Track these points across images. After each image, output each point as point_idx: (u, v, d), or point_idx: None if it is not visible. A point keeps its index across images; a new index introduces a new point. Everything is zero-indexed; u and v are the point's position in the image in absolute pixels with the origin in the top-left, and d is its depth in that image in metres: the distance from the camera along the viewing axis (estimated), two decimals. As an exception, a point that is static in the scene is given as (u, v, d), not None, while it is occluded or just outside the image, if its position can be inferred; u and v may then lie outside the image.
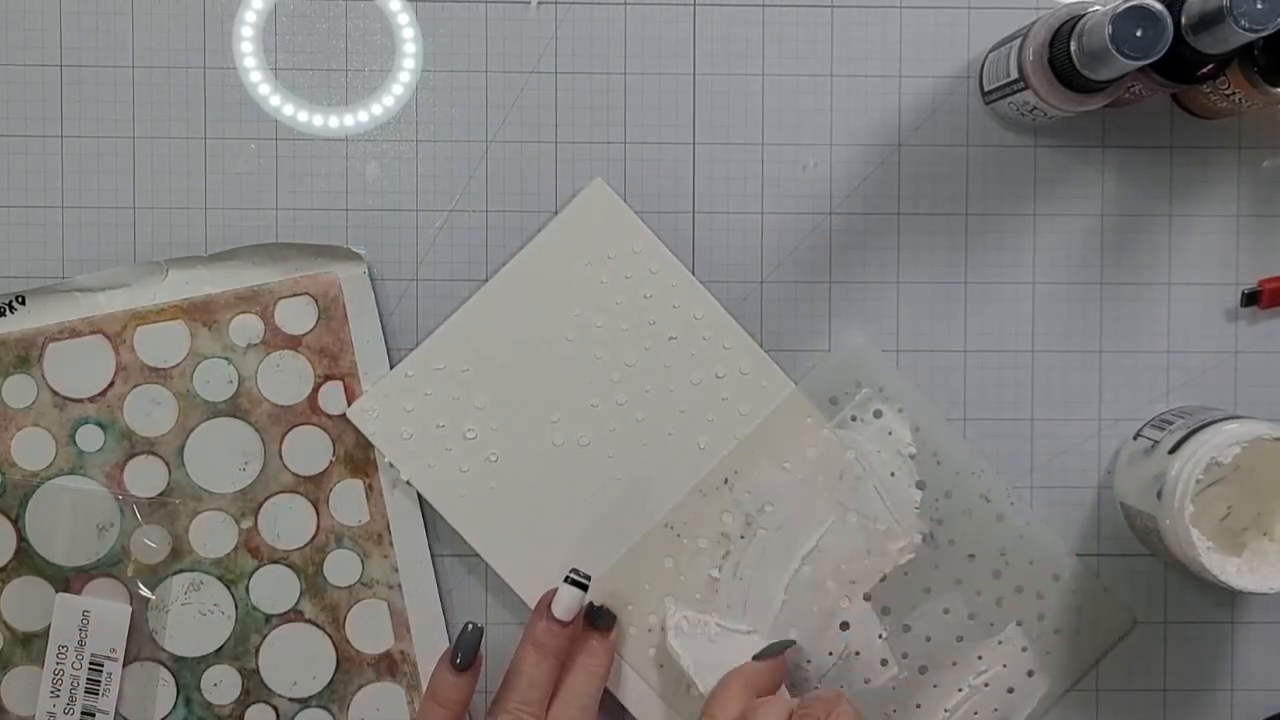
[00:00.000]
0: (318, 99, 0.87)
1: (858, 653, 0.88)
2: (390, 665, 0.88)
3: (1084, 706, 0.89)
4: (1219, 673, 0.89)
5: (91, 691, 0.86)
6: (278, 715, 0.88)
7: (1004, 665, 0.88)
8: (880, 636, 0.88)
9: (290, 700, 0.88)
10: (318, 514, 0.87)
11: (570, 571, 0.83)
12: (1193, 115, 0.88)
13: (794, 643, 0.86)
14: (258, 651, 0.87)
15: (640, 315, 0.86)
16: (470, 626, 0.82)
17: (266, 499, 0.87)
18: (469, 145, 0.87)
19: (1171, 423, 0.85)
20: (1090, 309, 0.88)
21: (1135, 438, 0.88)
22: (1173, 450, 0.82)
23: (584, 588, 0.83)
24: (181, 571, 0.86)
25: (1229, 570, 0.79)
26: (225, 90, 0.87)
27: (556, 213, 0.87)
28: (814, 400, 0.87)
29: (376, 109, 0.87)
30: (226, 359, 0.86)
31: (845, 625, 0.87)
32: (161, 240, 0.87)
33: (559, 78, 0.87)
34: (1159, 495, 0.81)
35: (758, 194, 0.88)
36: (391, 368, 0.86)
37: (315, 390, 0.86)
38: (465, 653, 0.82)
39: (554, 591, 0.84)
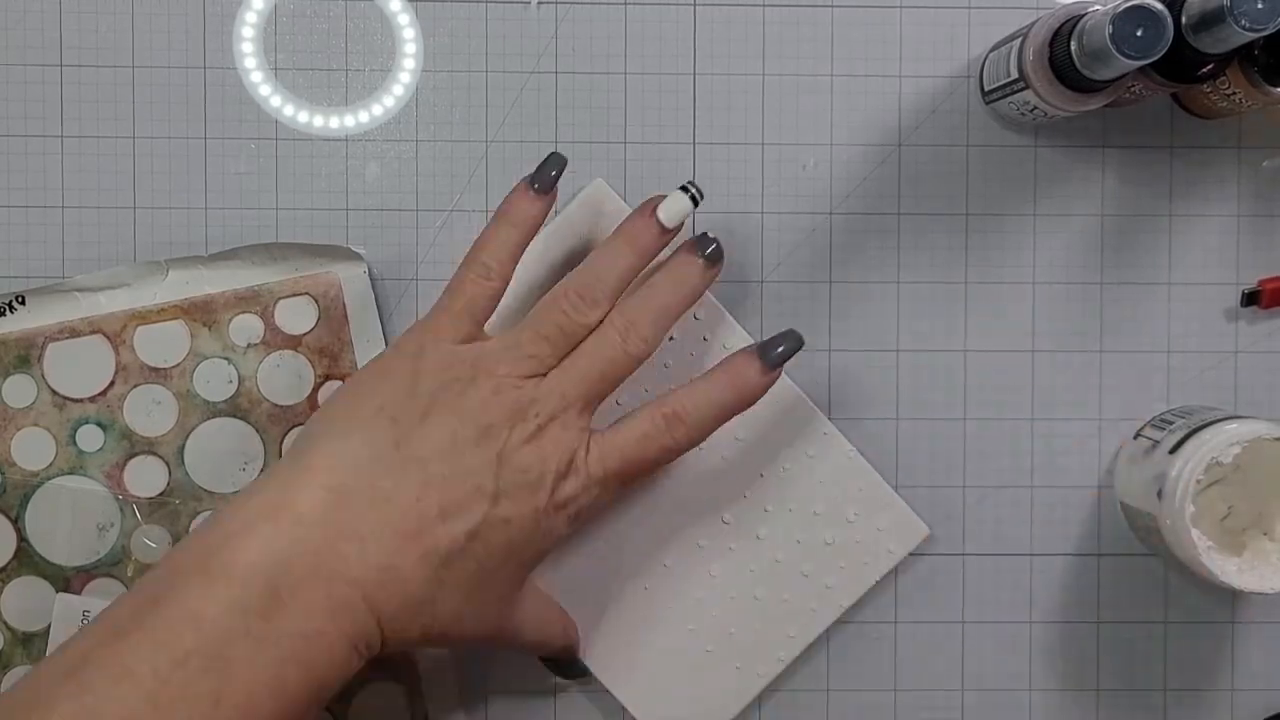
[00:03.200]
0: (318, 99, 0.87)
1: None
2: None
3: (1084, 706, 0.89)
4: (1219, 673, 0.89)
5: (92, 691, 0.86)
6: (278, 714, 0.88)
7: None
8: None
9: (290, 700, 0.88)
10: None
11: (688, 182, 0.80)
12: (1193, 115, 0.88)
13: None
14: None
15: None
16: (554, 155, 0.80)
17: (267, 499, 0.87)
18: (469, 145, 0.87)
19: (1172, 423, 0.85)
20: (1090, 309, 0.88)
21: (1135, 438, 0.88)
22: (1173, 450, 0.82)
23: (696, 203, 0.80)
24: (182, 571, 0.87)
25: (1229, 570, 0.79)
26: (225, 90, 0.87)
27: (557, 213, 0.87)
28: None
29: (376, 109, 0.87)
30: (226, 359, 0.86)
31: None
32: (161, 240, 0.87)
33: (559, 78, 0.87)
34: (1159, 495, 0.81)
35: (758, 194, 0.88)
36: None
37: (315, 390, 0.86)
38: (543, 178, 0.80)
39: (661, 196, 0.81)
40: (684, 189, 0.80)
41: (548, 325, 0.78)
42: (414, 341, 0.78)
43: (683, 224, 0.81)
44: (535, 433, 0.75)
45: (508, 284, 0.79)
